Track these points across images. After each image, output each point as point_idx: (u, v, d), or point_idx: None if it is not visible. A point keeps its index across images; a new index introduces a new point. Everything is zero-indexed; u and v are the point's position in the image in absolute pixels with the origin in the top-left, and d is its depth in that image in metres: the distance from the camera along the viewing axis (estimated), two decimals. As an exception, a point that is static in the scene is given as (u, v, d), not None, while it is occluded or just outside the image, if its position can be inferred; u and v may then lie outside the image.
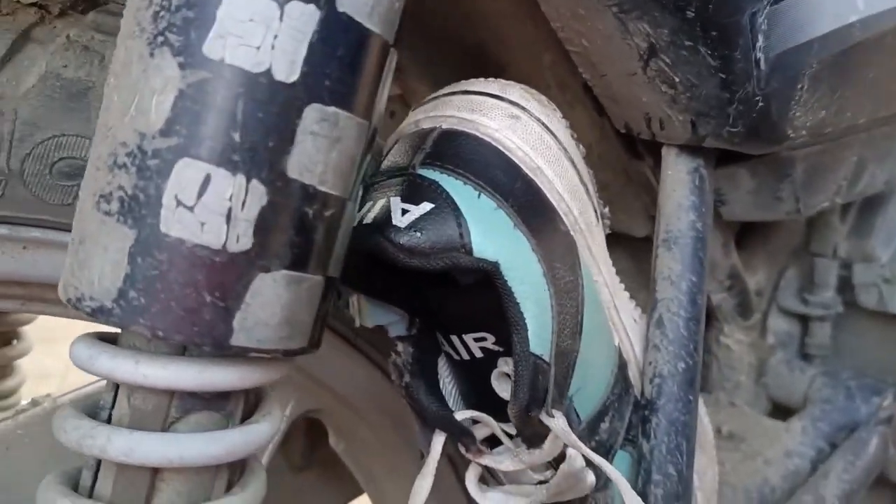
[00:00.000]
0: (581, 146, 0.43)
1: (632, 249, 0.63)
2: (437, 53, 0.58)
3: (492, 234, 0.36)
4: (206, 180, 0.24)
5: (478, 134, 0.39)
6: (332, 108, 0.25)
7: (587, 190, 0.42)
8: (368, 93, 0.27)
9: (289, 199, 0.25)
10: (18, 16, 0.32)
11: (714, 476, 0.48)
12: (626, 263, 0.64)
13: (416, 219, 0.36)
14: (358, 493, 0.72)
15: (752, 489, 0.58)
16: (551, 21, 0.42)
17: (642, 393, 0.43)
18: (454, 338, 0.43)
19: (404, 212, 0.36)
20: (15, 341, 0.65)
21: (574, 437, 0.38)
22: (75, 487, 0.27)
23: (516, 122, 0.40)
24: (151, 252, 0.24)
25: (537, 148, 0.40)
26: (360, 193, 0.30)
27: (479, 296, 0.40)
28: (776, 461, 0.60)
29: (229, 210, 0.24)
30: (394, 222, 0.35)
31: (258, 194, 0.25)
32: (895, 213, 0.71)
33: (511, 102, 0.40)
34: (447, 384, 0.44)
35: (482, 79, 0.42)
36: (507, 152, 0.39)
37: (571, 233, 0.40)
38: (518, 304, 0.36)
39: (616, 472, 0.38)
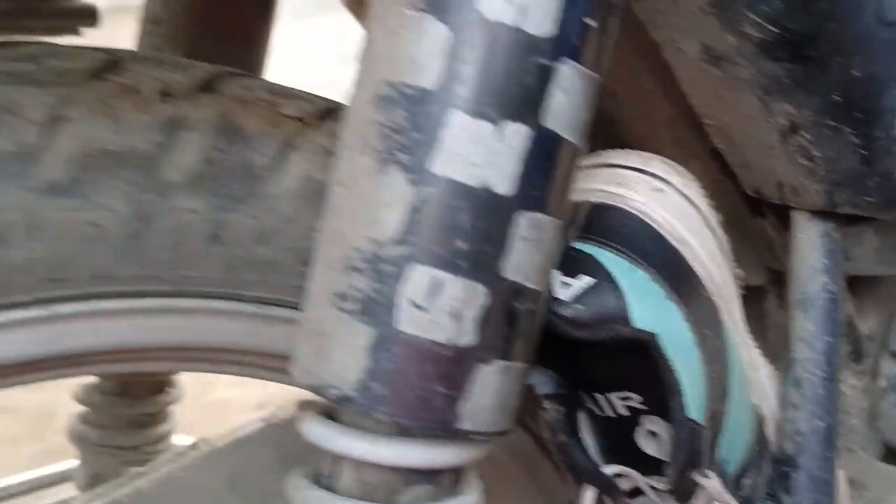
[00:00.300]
0: (718, 214, 0.45)
1: (746, 298, 0.65)
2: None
3: (648, 306, 0.39)
4: (436, 283, 0.27)
5: (626, 207, 0.41)
6: (539, 215, 0.29)
7: (725, 255, 0.44)
8: (565, 196, 0.30)
9: (504, 297, 0.28)
10: (283, 127, 0.37)
11: (848, 529, 0.50)
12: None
13: (579, 292, 0.38)
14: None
15: (878, 537, 0.58)
16: (689, 97, 0.44)
17: (781, 449, 0.45)
18: (599, 396, 0.45)
19: (565, 284, 0.39)
20: (168, 388, 0.70)
21: (728, 496, 0.40)
22: None
23: (661, 194, 0.42)
24: (389, 348, 0.27)
25: (681, 219, 0.42)
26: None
27: (624, 357, 0.42)
28: (899, 508, 0.60)
29: (456, 309, 0.28)
30: (557, 295, 0.38)
31: (480, 295, 0.28)
32: None
33: (654, 175, 0.43)
34: (586, 438, 0.47)
35: (621, 150, 0.44)
36: (653, 225, 0.41)
37: (713, 298, 0.43)
38: (674, 371, 0.39)
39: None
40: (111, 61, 0.35)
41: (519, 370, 0.30)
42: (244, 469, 0.60)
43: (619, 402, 0.45)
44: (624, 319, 0.38)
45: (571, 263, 0.39)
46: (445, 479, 0.31)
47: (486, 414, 0.29)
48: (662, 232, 0.41)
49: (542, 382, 0.45)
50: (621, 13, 0.30)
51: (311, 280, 0.30)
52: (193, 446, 0.59)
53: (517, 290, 0.29)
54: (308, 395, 0.69)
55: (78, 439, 0.69)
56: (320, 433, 0.30)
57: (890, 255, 0.52)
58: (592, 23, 0.28)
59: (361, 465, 0.30)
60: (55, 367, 0.35)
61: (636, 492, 0.44)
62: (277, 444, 0.62)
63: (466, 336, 0.28)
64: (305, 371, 0.29)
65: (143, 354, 0.37)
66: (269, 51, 0.65)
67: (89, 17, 0.66)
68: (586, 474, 0.43)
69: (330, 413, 0.32)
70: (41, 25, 0.64)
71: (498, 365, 0.29)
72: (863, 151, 0.39)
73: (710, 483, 0.40)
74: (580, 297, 0.38)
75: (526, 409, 0.51)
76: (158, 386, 0.69)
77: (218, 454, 0.60)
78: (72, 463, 0.84)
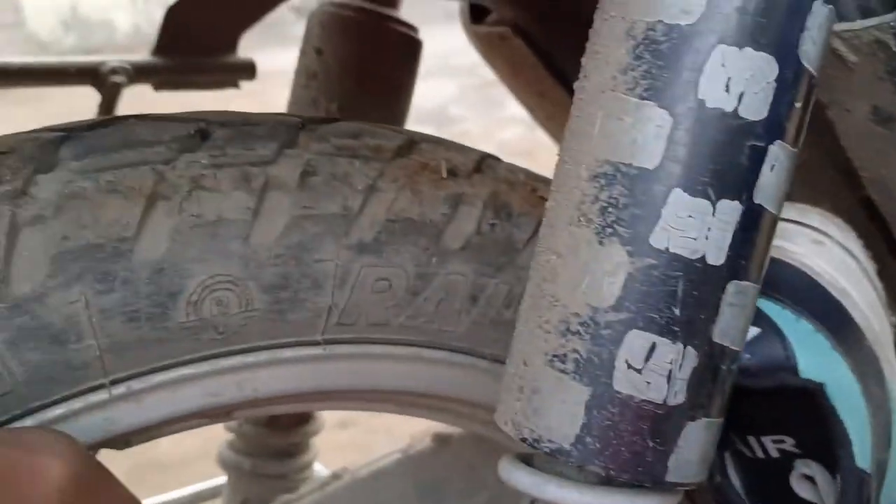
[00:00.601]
0: (875, 263, 0.46)
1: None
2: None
3: (814, 356, 0.40)
4: (652, 348, 0.30)
5: (789, 261, 0.43)
6: (745, 283, 0.30)
7: (882, 303, 0.45)
8: (765, 262, 0.32)
9: (712, 359, 0.30)
10: (539, 207, 0.41)
11: None
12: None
13: (747, 343, 0.40)
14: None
15: None
16: (848, 151, 0.46)
17: (937, 496, 0.46)
18: (751, 438, 0.47)
19: None
20: (311, 420, 0.73)
21: (896, 545, 0.41)
22: None
23: (821, 247, 0.44)
24: (605, 406, 0.30)
25: (841, 270, 0.43)
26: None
27: (782, 402, 0.44)
28: None
29: (670, 371, 0.30)
30: None
31: (691, 358, 0.30)
32: None
33: (812, 228, 0.44)
34: (732, 478, 0.48)
35: (777, 203, 0.46)
36: (815, 277, 0.43)
37: (874, 347, 0.44)
38: (842, 421, 0.40)
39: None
40: (410, 141, 0.40)
41: (718, 424, 0.32)
42: (384, 498, 0.63)
43: (772, 445, 0.46)
44: (791, 369, 0.40)
45: None
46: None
47: (689, 467, 0.31)
48: (824, 283, 0.43)
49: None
50: (817, 90, 0.32)
51: (522, 340, 0.32)
52: (336, 476, 0.62)
53: (723, 352, 0.31)
54: (441, 427, 0.72)
55: (228, 466, 0.74)
56: (528, 481, 0.32)
57: None
58: (798, 105, 0.30)
59: (568, 510, 0.32)
60: (312, 400, 0.39)
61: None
62: (414, 475, 0.65)
63: (677, 396, 0.30)
64: (518, 424, 0.32)
65: (385, 396, 0.42)
66: (411, 101, 0.69)
67: (248, 71, 0.71)
68: (744, 518, 0.45)
69: (527, 460, 0.34)
70: (205, 80, 0.69)
71: (702, 421, 0.31)
72: None
73: (879, 531, 0.41)
74: (748, 347, 0.40)
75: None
76: (304, 417, 0.73)
77: (360, 484, 0.63)
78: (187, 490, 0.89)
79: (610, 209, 0.30)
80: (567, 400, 0.30)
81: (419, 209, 0.38)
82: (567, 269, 0.31)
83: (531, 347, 0.32)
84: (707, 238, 0.29)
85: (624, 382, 0.30)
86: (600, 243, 0.30)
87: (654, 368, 0.30)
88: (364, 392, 0.40)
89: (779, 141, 0.30)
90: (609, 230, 0.30)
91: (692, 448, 0.31)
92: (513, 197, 0.41)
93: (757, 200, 0.30)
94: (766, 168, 0.30)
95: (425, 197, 0.39)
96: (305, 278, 0.36)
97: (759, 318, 0.41)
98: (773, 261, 0.43)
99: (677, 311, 0.29)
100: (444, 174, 0.39)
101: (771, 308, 0.41)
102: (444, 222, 0.39)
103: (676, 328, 0.30)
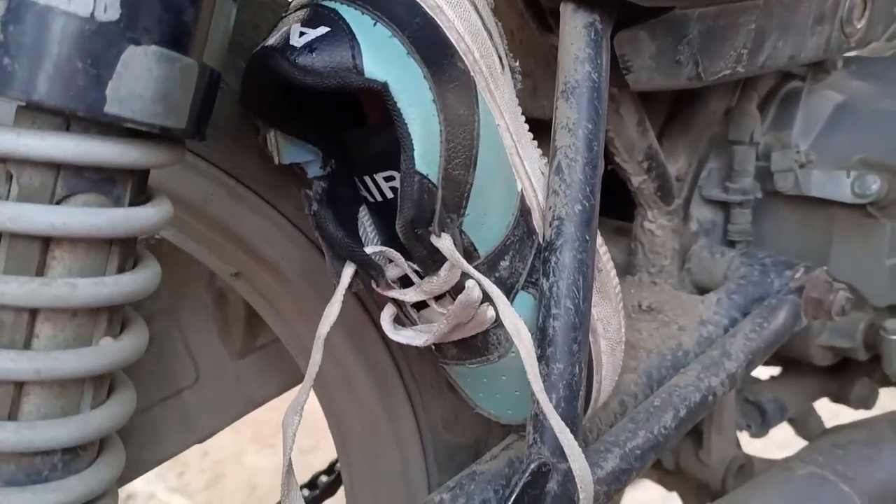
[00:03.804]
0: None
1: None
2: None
3: (383, 59, 0.38)
4: (72, -50, 0.26)
5: None
6: None
7: (491, 36, 0.44)
8: None
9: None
10: None
11: (619, 326, 0.51)
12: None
13: (312, 40, 0.38)
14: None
15: (666, 352, 0.61)
16: None
17: (543, 237, 0.46)
18: (367, 178, 0.45)
19: (302, 34, 0.38)
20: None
21: (460, 257, 0.40)
22: None
23: (419, -36, 0.41)
24: (21, 19, 0.26)
25: (439, -11, 0.42)
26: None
27: (387, 134, 0.42)
28: (690, 328, 0.63)
29: (96, -21, 0.26)
30: (291, 43, 0.37)
31: None
32: (814, 106, 0.73)
33: (420, -52, 0.42)
34: (368, 231, 0.46)
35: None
36: None
37: (471, 72, 0.42)
38: (406, 124, 0.38)
39: (496, 290, 0.41)
40: None
41: (189, 66, 0.29)
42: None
43: (385, 184, 0.45)
44: (356, 69, 0.38)
45: (315, 17, 0.39)
46: (119, 189, 0.29)
47: (141, 102, 0.27)
48: None
49: (310, 163, 0.45)
50: None
51: None
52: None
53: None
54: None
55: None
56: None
57: (667, 64, 0.52)
58: None
59: (20, 168, 0.28)
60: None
61: (408, 281, 0.44)
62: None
63: (108, 10, 0.26)
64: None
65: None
66: None
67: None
68: (343, 249, 0.43)
69: None
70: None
71: (154, 50, 0.27)
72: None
73: (442, 243, 0.40)
74: (313, 45, 0.38)
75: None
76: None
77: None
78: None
79: None
80: (-15, 18, 0.26)
81: None
82: None
83: None
84: None
85: (41, -9, 0.26)
86: None
87: None
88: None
89: None
90: None
91: (140, 79, 0.27)
92: None
93: None
94: None
95: None
96: None
97: (332, 18, 0.38)
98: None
99: None
100: None
101: (347, 11, 0.39)
102: None
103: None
